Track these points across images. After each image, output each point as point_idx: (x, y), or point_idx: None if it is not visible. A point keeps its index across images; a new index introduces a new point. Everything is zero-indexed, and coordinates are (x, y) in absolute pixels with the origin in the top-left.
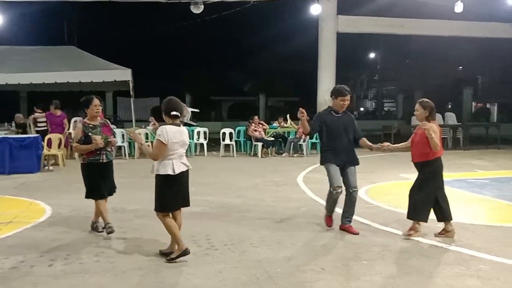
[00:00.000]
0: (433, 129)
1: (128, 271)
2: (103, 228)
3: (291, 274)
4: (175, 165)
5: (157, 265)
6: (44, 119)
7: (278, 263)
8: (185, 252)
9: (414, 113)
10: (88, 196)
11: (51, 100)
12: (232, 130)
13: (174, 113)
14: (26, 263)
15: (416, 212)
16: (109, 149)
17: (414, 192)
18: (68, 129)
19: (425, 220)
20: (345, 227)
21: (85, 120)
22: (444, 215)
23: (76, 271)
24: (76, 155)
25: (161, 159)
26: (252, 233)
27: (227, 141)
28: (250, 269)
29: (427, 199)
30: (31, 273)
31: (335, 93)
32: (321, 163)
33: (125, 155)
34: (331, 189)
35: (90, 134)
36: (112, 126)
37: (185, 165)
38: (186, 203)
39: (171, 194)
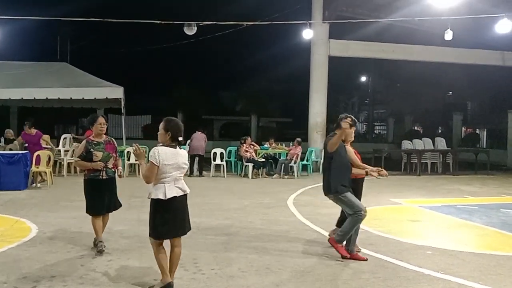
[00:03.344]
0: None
1: None
2: (96, 244)
3: None
4: (167, 189)
5: None
6: None
7: None
8: (169, 286)
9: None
10: (86, 211)
11: (42, 116)
12: (223, 150)
13: (181, 139)
14: (8, 285)
15: None
16: (110, 166)
17: None
18: (57, 146)
19: None
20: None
21: (90, 137)
22: None
23: None
24: (64, 172)
25: (155, 182)
26: (240, 257)
27: (218, 161)
28: None
29: None
30: None
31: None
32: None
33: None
34: (362, 212)
35: (92, 150)
36: None
37: (181, 189)
38: (183, 231)
39: (162, 220)
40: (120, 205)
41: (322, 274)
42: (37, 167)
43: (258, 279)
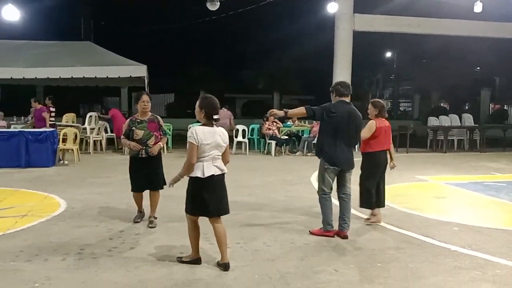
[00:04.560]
0: (370, 126)
1: (140, 267)
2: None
3: (304, 274)
4: (206, 168)
5: (170, 261)
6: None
7: (291, 262)
8: (196, 262)
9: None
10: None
11: (68, 95)
12: (245, 127)
13: (216, 117)
14: (40, 257)
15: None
16: (151, 145)
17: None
18: (83, 124)
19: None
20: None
21: (135, 115)
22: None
23: (89, 266)
24: (90, 149)
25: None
26: (265, 232)
27: (240, 138)
28: (263, 268)
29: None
30: (45, 266)
31: None
32: None
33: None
34: None
35: (133, 128)
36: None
37: (219, 168)
38: (222, 211)
39: (198, 198)
40: (162, 186)
41: (346, 249)
42: (64, 145)
43: (282, 253)
